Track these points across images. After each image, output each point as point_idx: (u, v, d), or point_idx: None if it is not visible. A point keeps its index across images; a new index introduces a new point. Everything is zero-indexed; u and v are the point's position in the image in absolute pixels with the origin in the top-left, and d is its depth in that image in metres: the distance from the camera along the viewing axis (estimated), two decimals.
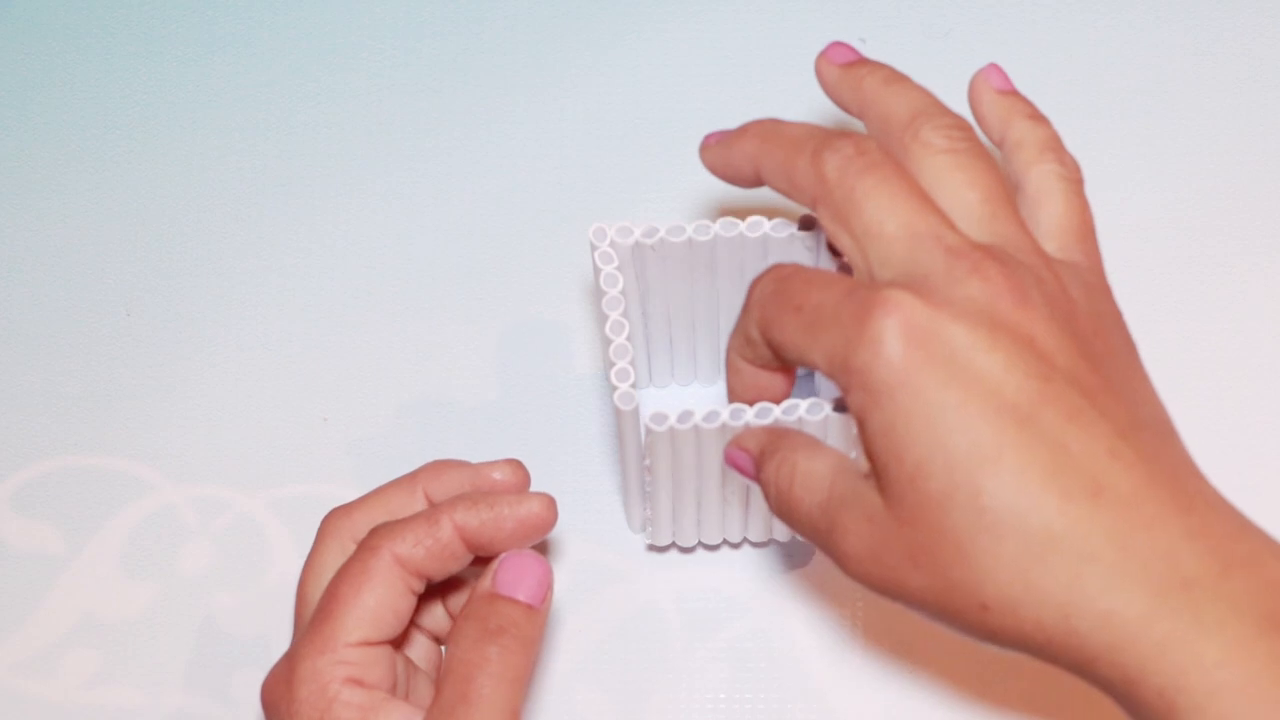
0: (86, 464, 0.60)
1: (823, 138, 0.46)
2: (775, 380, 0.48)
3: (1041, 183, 0.47)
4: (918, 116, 0.46)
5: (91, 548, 0.58)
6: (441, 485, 0.50)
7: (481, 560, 0.49)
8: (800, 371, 0.52)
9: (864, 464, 0.43)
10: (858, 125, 0.49)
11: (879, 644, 0.55)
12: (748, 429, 0.48)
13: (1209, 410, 0.58)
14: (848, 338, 0.42)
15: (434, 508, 0.48)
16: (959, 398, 0.41)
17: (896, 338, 0.41)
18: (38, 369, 0.61)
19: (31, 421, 0.60)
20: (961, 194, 0.45)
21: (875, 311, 0.41)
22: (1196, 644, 0.39)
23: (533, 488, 0.50)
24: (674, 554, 0.57)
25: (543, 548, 0.56)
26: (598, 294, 0.52)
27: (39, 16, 0.68)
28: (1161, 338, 0.59)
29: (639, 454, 0.52)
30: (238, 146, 0.65)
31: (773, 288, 0.45)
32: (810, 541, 0.45)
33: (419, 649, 0.51)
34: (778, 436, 0.47)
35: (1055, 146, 0.48)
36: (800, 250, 0.51)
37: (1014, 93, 0.49)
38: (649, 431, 0.49)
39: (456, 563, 0.48)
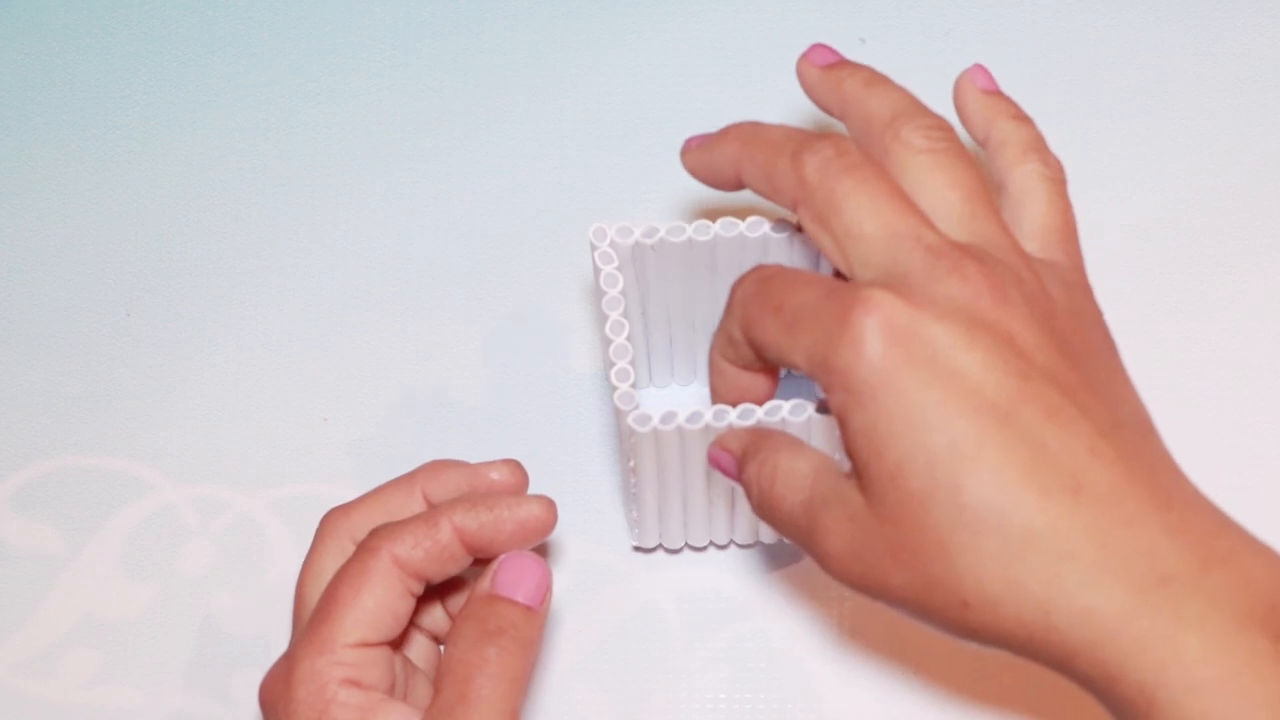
0: (86, 464, 0.60)
1: (802, 140, 0.46)
2: (758, 381, 0.48)
3: (1024, 183, 0.47)
4: (898, 117, 0.46)
5: (91, 548, 0.58)
6: (440, 485, 0.50)
7: (481, 561, 0.49)
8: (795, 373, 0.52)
9: (846, 464, 0.43)
10: (840, 127, 0.49)
11: (879, 644, 0.55)
12: (730, 429, 0.48)
13: (1209, 410, 0.58)
14: (829, 337, 0.42)
15: (433, 510, 0.48)
16: (939, 396, 0.41)
17: (877, 337, 0.41)
18: (38, 369, 0.61)
19: (31, 421, 0.60)
20: (942, 194, 0.45)
21: (856, 311, 0.42)
22: (1176, 640, 0.39)
23: (532, 488, 0.50)
24: (673, 554, 0.57)
25: (542, 548, 0.56)
26: (598, 294, 0.52)
27: (39, 16, 0.68)
28: (1161, 338, 0.59)
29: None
30: (238, 146, 0.65)
31: (754, 288, 0.45)
32: (792, 541, 0.45)
33: (418, 649, 0.51)
34: (760, 437, 0.47)
35: (1039, 147, 0.48)
36: (800, 251, 0.51)
37: (998, 93, 0.49)
38: (632, 432, 0.49)
39: (455, 565, 0.48)
